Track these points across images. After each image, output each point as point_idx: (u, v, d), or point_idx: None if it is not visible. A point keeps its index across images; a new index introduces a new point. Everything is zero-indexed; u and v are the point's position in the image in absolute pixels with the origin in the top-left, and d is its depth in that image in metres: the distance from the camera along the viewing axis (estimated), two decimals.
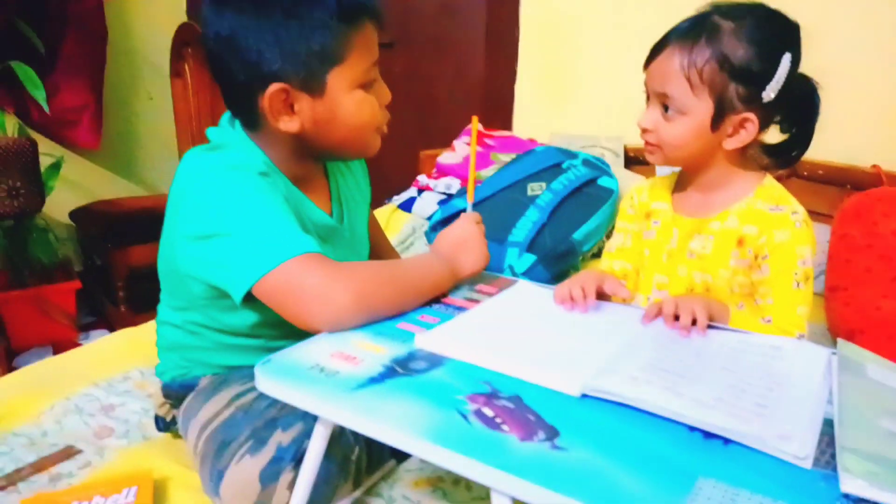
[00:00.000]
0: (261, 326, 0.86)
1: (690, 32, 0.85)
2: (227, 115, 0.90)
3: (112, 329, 1.52)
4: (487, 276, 0.96)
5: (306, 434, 0.74)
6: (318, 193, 0.95)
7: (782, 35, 0.85)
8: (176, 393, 0.94)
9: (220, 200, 0.78)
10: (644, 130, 0.91)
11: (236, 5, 0.79)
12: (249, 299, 0.76)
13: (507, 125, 2.32)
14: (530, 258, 1.57)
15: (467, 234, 0.92)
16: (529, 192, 1.74)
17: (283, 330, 0.79)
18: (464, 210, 1.74)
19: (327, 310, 0.72)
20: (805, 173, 1.91)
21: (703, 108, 0.86)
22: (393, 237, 1.84)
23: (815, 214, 1.78)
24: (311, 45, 0.79)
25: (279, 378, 0.65)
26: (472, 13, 2.37)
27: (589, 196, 1.74)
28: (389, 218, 1.94)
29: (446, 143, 2.18)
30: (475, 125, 1.00)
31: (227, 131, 0.88)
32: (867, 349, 0.75)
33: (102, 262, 2.46)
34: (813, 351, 0.73)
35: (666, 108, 0.88)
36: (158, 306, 0.97)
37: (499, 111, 2.33)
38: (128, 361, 1.18)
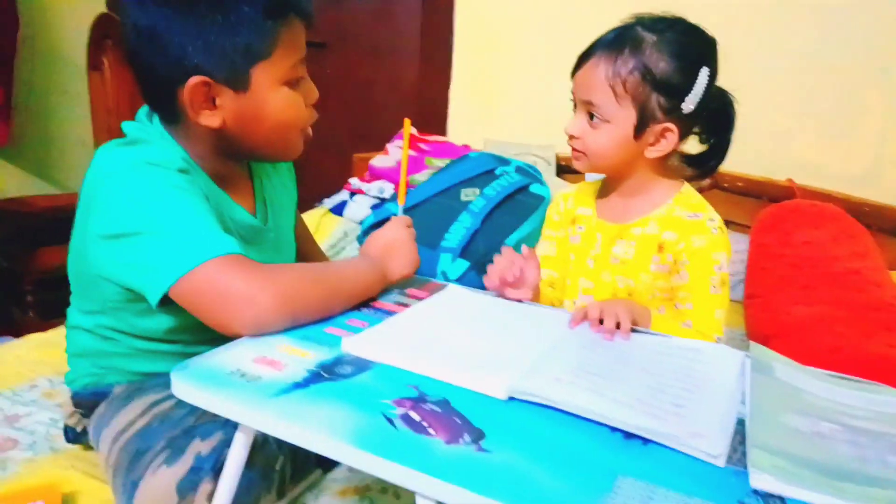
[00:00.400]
0: (179, 331, 0.83)
1: (615, 43, 0.88)
2: (144, 110, 0.87)
3: (19, 336, 1.43)
4: (418, 281, 0.96)
5: (226, 443, 0.71)
6: (242, 193, 0.92)
7: (701, 49, 0.89)
8: (87, 402, 0.89)
9: (136, 197, 0.75)
10: (571, 137, 0.93)
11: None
12: (166, 302, 0.73)
13: (442, 131, 2.33)
14: (463, 264, 1.57)
15: (397, 237, 0.91)
16: (463, 198, 1.75)
17: (203, 335, 0.76)
18: (396, 214, 1.74)
19: (249, 313, 0.70)
20: (726, 185, 2.00)
21: (626, 117, 0.89)
22: (324, 241, 1.81)
23: (734, 224, 1.89)
24: (236, 40, 0.77)
25: (197, 383, 0.62)
26: (407, 19, 2.37)
27: (521, 203, 1.76)
28: (320, 221, 1.91)
29: (380, 147, 2.17)
30: (407, 128, 1.00)
31: (144, 126, 0.85)
32: (781, 352, 0.79)
33: (10, 265, 2.32)
34: (728, 354, 0.76)
35: (591, 116, 0.90)
36: (68, 310, 0.91)
37: (433, 117, 2.34)
38: (35, 369, 1.11)
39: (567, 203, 1.05)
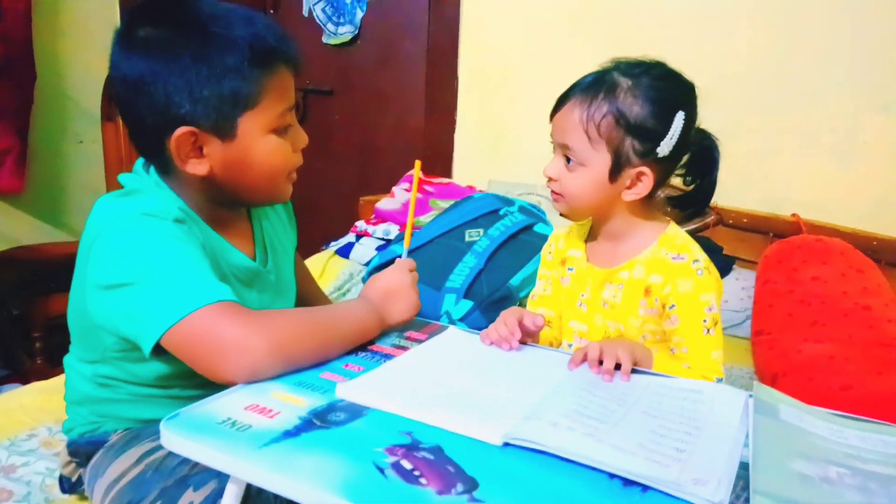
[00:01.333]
0: (177, 377, 0.82)
1: (591, 87, 0.89)
2: (140, 161, 0.88)
3: (27, 383, 1.43)
4: (418, 323, 0.95)
5: (220, 493, 0.69)
6: (241, 237, 0.92)
7: (677, 94, 0.89)
8: (84, 450, 0.88)
9: (131, 248, 0.75)
10: (549, 179, 0.94)
11: (144, 49, 0.78)
12: (161, 350, 0.73)
13: (448, 173, 2.35)
14: (467, 304, 1.56)
15: (398, 281, 0.90)
16: (467, 238, 1.75)
17: (199, 379, 0.75)
18: (399, 257, 1.74)
19: (242, 361, 0.69)
20: (731, 221, 1.99)
21: (601, 160, 0.89)
22: (330, 283, 1.81)
23: (740, 261, 1.87)
24: (222, 90, 0.78)
25: (186, 434, 0.61)
26: (412, 64, 2.42)
27: (525, 243, 1.76)
28: (326, 264, 1.91)
29: (387, 190, 2.19)
30: (417, 170, 1.00)
31: (140, 177, 0.86)
32: (789, 392, 0.77)
33: (20, 312, 2.33)
34: (731, 394, 0.74)
35: (568, 159, 0.91)
36: (66, 358, 0.91)
37: (439, 159, 2.36)
38: (36, 417, 1.10)
39: (558, 243, 1.05)
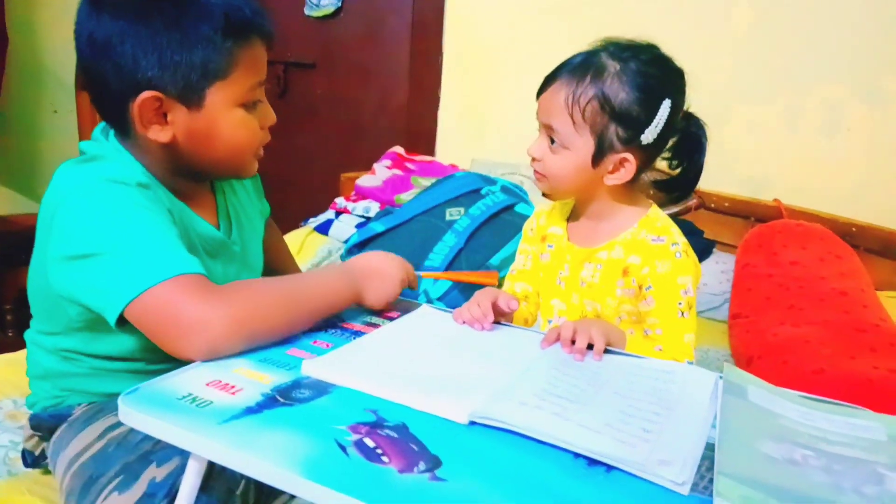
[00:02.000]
0: (141, 350, 0.80)
1: (578, 69, 0.87)
2: (100, 127, 0.85)
3: None
4: None
5: (184, 469, 0.68)
6: (204, 207, 0.90)
7: (665, 81, 0.87)
8: (46, 424, 0.87)
9: (95, 217, 0.73)
10: (533, 159, 0.92)
11: (114, 9, 0.75)
12: (127, 322, 0.71)
13: (431, 151, 2.33)
14: (446, 283, 1.55)
15: (389, 268, 0.88)
16: (448, 217, 1.73)
17: (164, 354, 0.74)
18: (379, 234, 1.72)
19: (200, 338, 0.67)
20: (713, 205, 1.99)
21: (584, 144, 0.87)
22: (308, 259, 1.79)
23: (721, 244, 1.88)
24: (193, 58, 0.76)
25: (145, 409, 0.60)
26: (396, 40, 2.38)
27: (506, 222, 1.75)
28: (305, 240, 1.89)
29: (368, 167, 2.16)
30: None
31: (100, 143, 0.83)
32: (763, 374, 0.77)
33: None
34: (701, 375, 0.74)
35: (552, 140, 0.89)
36: (27, 333, 0.89)
37: (422, 137, 2.34)
38: (1, 390, 1.08)
39: (540, 220, 1.04)
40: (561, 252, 0.98)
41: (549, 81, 0.90)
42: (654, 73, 0.86)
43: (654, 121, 0.85)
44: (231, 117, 0.80)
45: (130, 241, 0.72)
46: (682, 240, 0.90)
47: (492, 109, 2.25)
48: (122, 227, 0.72)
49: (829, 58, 1.81)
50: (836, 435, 0.65)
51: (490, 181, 1.86)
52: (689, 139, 0.92)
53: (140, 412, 0.60)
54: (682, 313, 0.88)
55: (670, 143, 0.91)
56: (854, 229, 1.71)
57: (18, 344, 1.23)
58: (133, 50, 0.74)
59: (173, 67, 0.75)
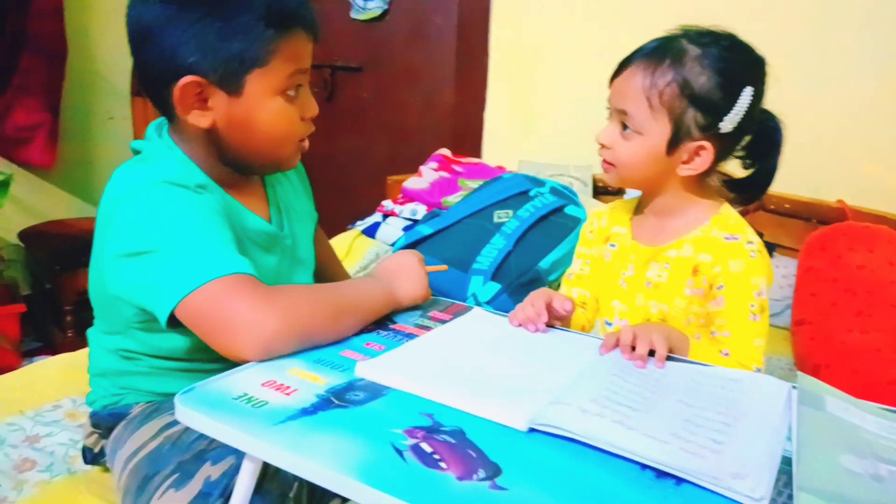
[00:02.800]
0: (197, 349, 0.81)
1: (656, 53, 0.84)
2: (153, 125, 0.86)
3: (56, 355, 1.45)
4: (442, 302, 0.92)
5: (238, 468, 0.68)
6: (255, 200, 0.91)
7: (747, 67, 0.84)
8: (106, 422, 0.88)
9: (151, 216, 0.74)
10: (602, 147, 0.89)
11: None
12: (179, 322, 0.71)
13: (477, 153, 2.31)
14: (494, 287, 1.53)
15: (402, 261, 0.89)
16: (496, 220, 1.71)
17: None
18: (427, 236, 1.70)
19: (255, 338, 0.67)
20: (772, 206, 1.91)
21: (659, 130, 0.84)
22: (356, 262, 1.79)
23: (781, 248, 1.80)
24: (232, 45, 0.76)
25: (200, 408, 0.59)
26: (442, 41, 2.37)
27: (556, 225, 1.71)
28: (353, 243, 1.90)
29: (414, 169, 2.15)
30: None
31: (152, 142, 0.84)
32: (833, 383, 0.73)
33: (51, 286, 2.37)
34: (773, 385, 0.70)
35: (625, 126, 0.86)
36: (89, 331, 0.91)
37: (468, 138, 2.32)
38: (61, 389, 1.11)
39: (601, 221, 1.00)
40: (625, 251, 0.95)
41: (623, 66, 0.87)
42: (736, 59, 0.83)
43: (735, 108, 0.81)
44: (270, 106, 0.80)
45: (183, 241, 0.72)
46: (756, 239, 0.86)
47: (539, 110, 2.22)
48: (176, 226, 0.73)
49: (892, 54, 1.72)
50: None
51: (538, 182, 1.83)
52: (764, 136, 0.87)
53: (196, 411, 0.59)
54: (754, 315, 0.83)
55: (745, 141, 0.87)
56: None
57: (78, 344, 1.27)
58: (175, 35, 0.75)
59: (213, 53, 0.76)
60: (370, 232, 1.97)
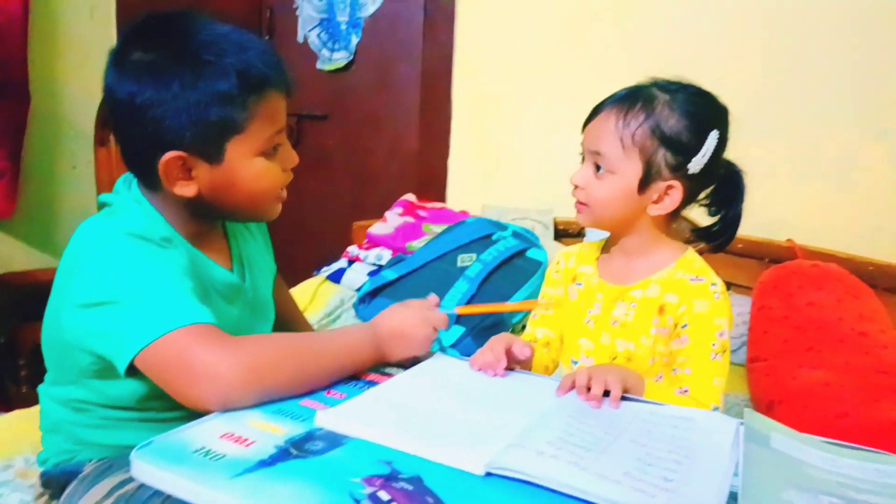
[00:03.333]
0: (151, 398, 0.80)
1: (628, 98, 0.90)
2: (122, 179, 0.88)
3: (10, 411, 1.40)
4: None
5: None
6: (218, 252, 0.92)
7: (712, 113, 0.90)
8: (57, 481, 0.86)
9: (113, 267, 0.75)
10: (575, 188, 0.93)
11: (136, 73, 0.78)
12: (137, 370, 0.71)
13: (441, 197, 2.34)
14: (459, 330, 1.55)
15: (411, 327, 0.85)
16: (459, 263, 1.74)
17: (176, 402, 0.74)
18: (391, 281, 1.71)
19: (213, 388, 0.67)
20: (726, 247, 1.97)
21: (632, 169, 0.88)
22: (321, 309, 1.79)
23: (735, 286, 1.86)
24: (210, 117, 0.78)
25: (157, 463, 0.59)
26: (407, 89, 2.43)
27: (518, 268, 1.75)
28: (318, 289, 1.90)
29: (380, 215, 2.18)
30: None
31: (122, 196, 0.86)
32: (785, 419, 0.75)
33: (6, 338, 2.30)
34: (722, 422, 0.72)
35: (598, 167, 0.91)
36: (40, 386, 0.89)
37: (433, 184, 2.36)
38: (13, 447, 1.07)
39: (568, 262, 1.04)
40: (591, 290, 0.98)
41: (597, 111, 0.92)
42: (703, 104, 0.89)
43: (703, 149, 0.87)
44: (251, 167, 0.82)
45: (145, 291, 0.73)
46: (719, 282, 0.91)
47: (502, 155, 2.28)
48: (138, 277, 0.74)
49: (842, 96, 1.82)
50: (863, 482, 0.63)
51: (501, 227, 1.87)
52: (728, 183, 0.93)
53: (152, 466, 0.59)
54: (716, 355, 0.87)
55: (709, 190, 0.93)
56: (871, 268, 1.69)
57: (33, 399, 1.23)
58: (154, 112, 0.77)
59: (192, 127, 0.77)
60: (335, 277, 1.98)
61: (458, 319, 1.57)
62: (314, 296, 1.85)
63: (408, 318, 0.86)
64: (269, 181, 0.85)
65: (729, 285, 1.84)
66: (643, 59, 1.99)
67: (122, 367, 0.71)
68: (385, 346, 0.84)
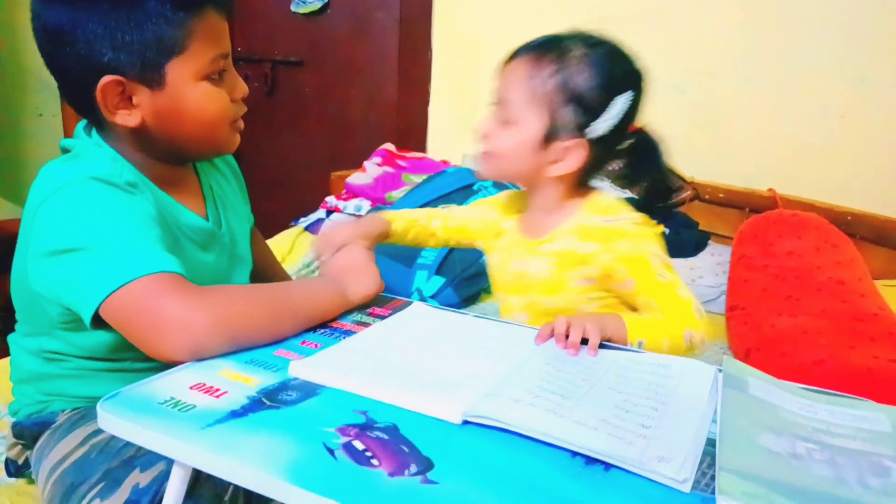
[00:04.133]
0: (125, 349, 0.78)
1: (542, 47, 0.86)
2: (82, 123, 0.83)
3: None
4: (382, 299, 0.92)
5: (169, 474, 0.66)
6: (191, 198, 0.88)
7: (627, 74, 0.86)
8: (30, 431, 0.84)
9: (77, 213, 0.71)
10: (481, 138, 0.90)
11: None
12: (103, 321, 0.69)
13: (422, 147, 2.31)
14: (439, 281, 1.53)
15: (354, 258, 0.88)
16: None
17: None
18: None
19: (182, 338, 0.65)
20: (707, 196, 1.98)
21: (536, 122, 0.85)
22: (299, 259, 1.77)
23: (716, 236, 1.86)
24: (145, 36, 0.73)
25: (124, 415, 0.57)
26: (385, 35, 2.35)
27: None
28: (296, 240, 1.87)
29: (358, 165, 2.14)
30: None
31: (82, 140, 0.82)
32: (763, 366, 0.75)
33: None
34: (699, 368, 0.72)
35: (505, 119, 0.87)
36: (10, 336, 0.87)
37: (413, 133, 2.31)
38: None
39: (496, 211, 1.02)
40: (510, 246, 0.96)
41: (510, 58, 0.88)
42: (618, 64, 0.85)
43: (609, 111, 0.83)
44: (196, 91, 0.78)
45: (109, 238, 0.70)
46: (633, 212, 0.88)
47: (483, 104, 2.22)
48: (102, 224, 0.71)
49: (819, 45, 1.80)
50: (838, 427, 0.63)
51: None
52: (641, 153, 0.89)
53: (119, 418, 0.57)
54: (662, 276, 0.84)
55: (623, 157, 0.89)
56: (850, 218, 1.70)
57: (3, 350, 1.21)
58: (85, 35, 0.72)
59: (127, 48, 0.73)
60: (314, 228, 1.95)
61: (439, 270, 1.55)
62: (292, 247, 1.82)
63: (342, 254, 0.88)
64: (218, 107, 0.81)
65: (709, 235, 1.86)
66: (630, 3, 1.94)
67: (87, 318, 0.68)
68: (342, 284, 0.83)
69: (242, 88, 0.84)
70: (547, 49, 0.85)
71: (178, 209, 0.84)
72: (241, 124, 0.86)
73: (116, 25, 0.72)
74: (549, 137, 0.85)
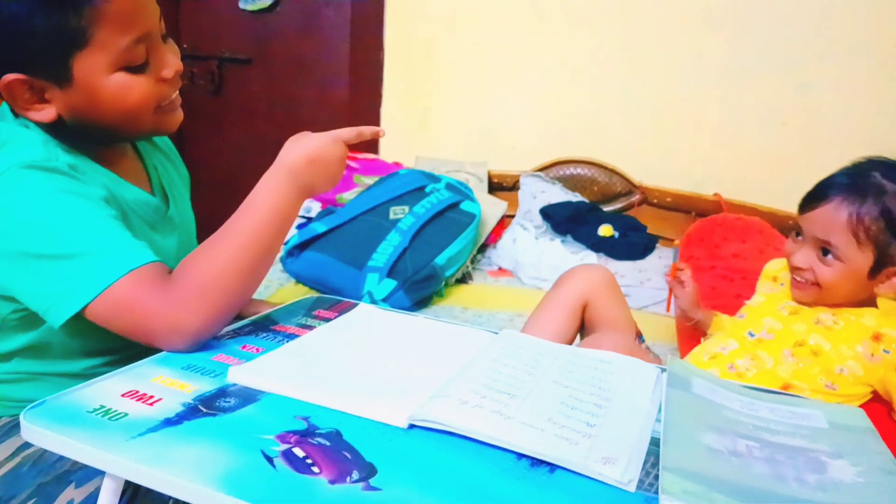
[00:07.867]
0: (78, 352, 0.77)
1: (854, 189, 0.91)
2: (3, 105, 0.78)
3: None
4: (326, 301, 0.90)
5: None
6: (134, 175, 0.84)
7: None
8: None
9: (23, 210, 0.66)
10: (798, 268, 0.96)
11: None
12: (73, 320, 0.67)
13: (374, 149, 2.28)
14: (390, 284, 1.52)
15: (329, 152, 0.78)
16: (392, 216, 1.70)
17: (90, 355, 0.72)
18: (321, 234, 1.66)
19: (179, 337, 0.67)
20: (655, 200, 2.02)
21: (863, 259, 0.92)
22: None
23: (663, 239, 1.89)
24: (37, 29, 0.66)
25: (49, 424, 0.54)
26: (336, 34, 2.32)
27: (451, 220, 1.72)
28: None
29: None
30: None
31: (7, 122, 0.75)
32: None
33: None
34: (642, 368, 0.73)
35: (825, 252, 0.93)
36: None
37: None
38: None
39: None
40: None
41: (819, 198, 0.94)
42: None
43: None
44: (110, 85, 0.71)
45: (76, 239, 0.66)
46: None
47: (435, 105, 2.22)
48: (63, 222, 0.67)
49: (763, 53, 1.86)
50: (778, 424, 0.65)
51: (434, 178, 1.84)
52: None
53: (44, 428, 0.54)
54: None
55: None
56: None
57: None
58: None
59: (20, 43, 0.67)
60: None
61: (390, 273, 1.54)
62: None
63: (315, 141, 0.78)
64: (138, 97, 0.73)
65: (657, 238, 1.89)
66: (580, 8, 1.97)
67: (57, 323, 0.67)
68: (304, 178, 0.77)
69: (171, 64, 0.76)
70: (861, 191, 0.91)
71: (124, 186, 0.79)
72: (179, 100, 0.80)
73: (5, 20, 0.66)
74: (877, 269, 0.92)
